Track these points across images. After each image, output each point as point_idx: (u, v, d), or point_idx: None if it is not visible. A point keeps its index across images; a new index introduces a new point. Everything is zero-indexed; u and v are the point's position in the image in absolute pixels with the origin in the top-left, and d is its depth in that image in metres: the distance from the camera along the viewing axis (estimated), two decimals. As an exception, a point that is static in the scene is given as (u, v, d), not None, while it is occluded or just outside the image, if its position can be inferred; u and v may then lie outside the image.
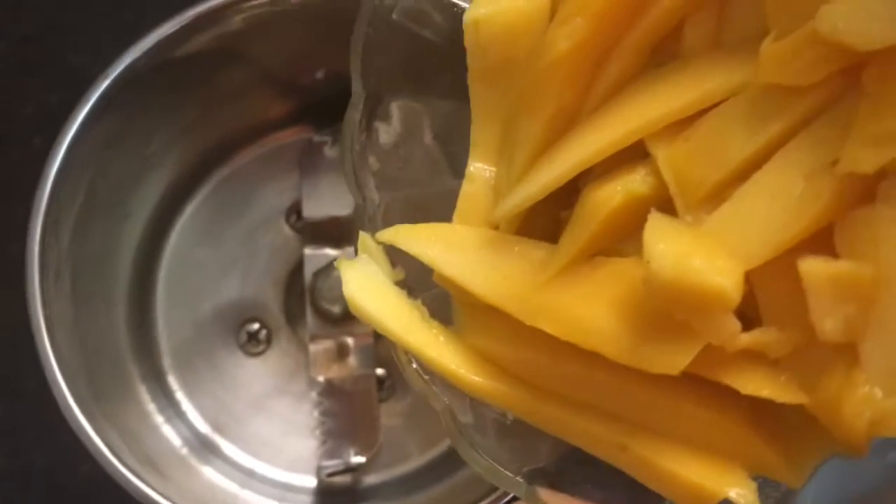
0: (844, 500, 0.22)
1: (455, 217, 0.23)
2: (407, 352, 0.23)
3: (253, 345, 0.41)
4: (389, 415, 0.40)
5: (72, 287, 0.35)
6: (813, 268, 0.17)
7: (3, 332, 0.40)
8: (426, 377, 0.23)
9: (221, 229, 0.41)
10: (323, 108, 0.40)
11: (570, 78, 0.21)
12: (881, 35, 0.16)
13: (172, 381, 0.40)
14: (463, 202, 0.23)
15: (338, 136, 0.40)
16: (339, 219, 0.40)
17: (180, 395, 0.40)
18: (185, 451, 0.38)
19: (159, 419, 0.38)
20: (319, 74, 0.39)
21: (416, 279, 0.23)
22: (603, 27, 0.20)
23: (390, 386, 0.41)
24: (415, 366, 0.23)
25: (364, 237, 0.23)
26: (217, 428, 0.40)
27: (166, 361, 0.40)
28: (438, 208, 0.24)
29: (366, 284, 0.22)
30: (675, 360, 0.19)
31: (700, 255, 0.18)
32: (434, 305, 0.23)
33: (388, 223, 0.24)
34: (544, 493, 0.22)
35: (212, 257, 0.41)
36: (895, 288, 0.17)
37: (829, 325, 0.18)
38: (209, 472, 0.38)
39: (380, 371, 0.40)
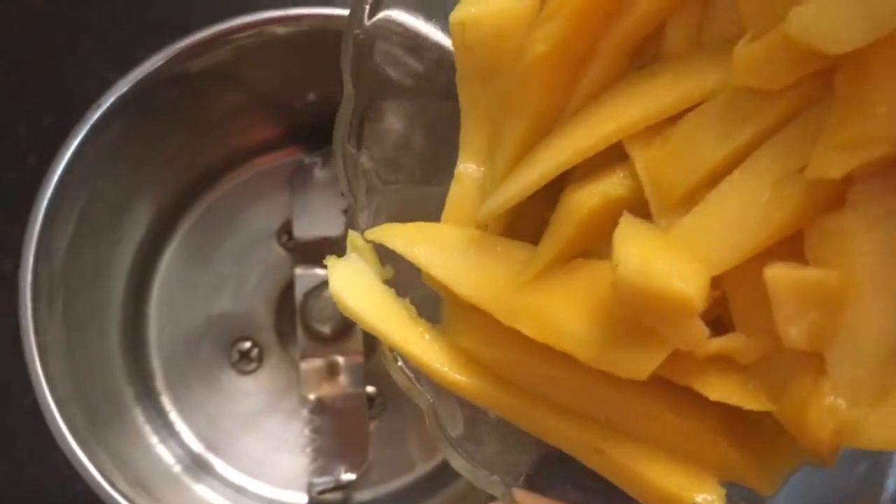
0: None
1: (443, 216, 0.23)
2: (392, 349, 0.23)
3: (245, 363, 0.41)
4: (379, 432, 0.41)
5: (64, 312, 0.35)
6: (778, 274, 0.17)
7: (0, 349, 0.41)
8: (411, 375, 0.23)
9: (213, 250, 0.42)
10: (313, 130, 0.41)
11: (550, 80, 0.21)
12: (850, 38, 0.16)
13: (166, 402, 0.40)
14: (451, 202, 0.23)
15: (328, 157, 0.41)
16: (329, 239, 0.41)
17: (174, 416, 0.40)
18: (177, 469, 0.38)
19: (153, 439, 0.39)
20: (310, 97, 0.40)
21: (406, 278, 0.23)
22: (580, 30, 0.20)
23: (380, 404, 0.41)
24: (400, 363, 0.23)
25: (353, 235, 0.24)
26: (210, 446, 0.40)
27: (159, 382, 0.41)
28: (430, 208, 0.24)
29: (352, 282, 0.22)
30: (642, 364, 0.19)
31: (665, 260, 0.18)
32: (424, 304, 0.23)
33: (379, 222, 0.24)
34: (520, 495, 0.22)
35: (204, 277, 0.42)
36: (863, 297, 0.17)
37: (793, 332, 0.18)
38: (202, 491, 0.38)
39: (370, 389, 0.41)
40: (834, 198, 0.17)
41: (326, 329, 0.40)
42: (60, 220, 0.34)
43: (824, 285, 0.17)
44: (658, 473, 0.20)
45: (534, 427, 0.22)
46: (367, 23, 0.24)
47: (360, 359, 0.40)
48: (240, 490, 0.39)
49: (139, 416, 0.39)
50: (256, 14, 0.35)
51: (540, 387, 0.22)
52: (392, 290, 0.23)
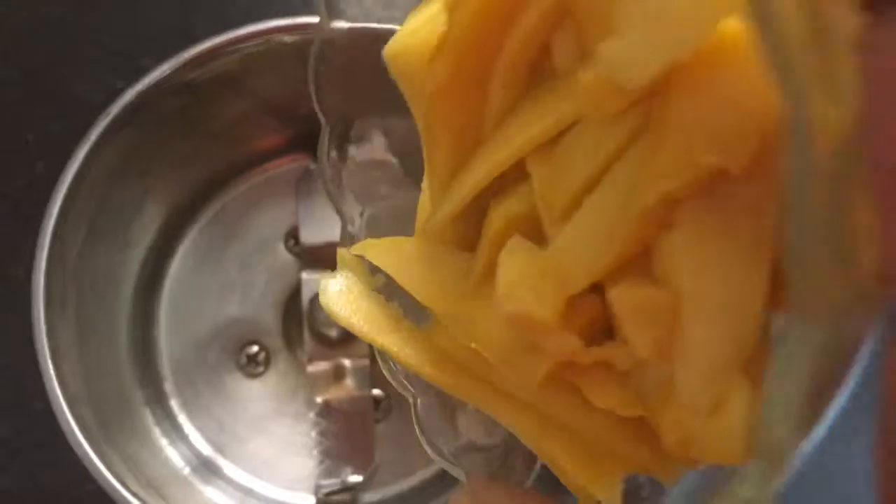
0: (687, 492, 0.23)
1: (416, 229, 0.25)
2: (378, 349, 0.25)
3: (252, 367, 0.42)
4: (385, 434, 0.41)
5: (76, 316, 0.36)
6: (619, 293, 0.18)
7: (9, 353, 0.41)
8: (395, 370, 0.26)
9: (221, 255, 0.42)
10: (318, 138, 0.41)
11: (454, 107, 0.22)
12: (637, 74, 0.16)
13: (174, 405, 0.41)
14: (419, 216, 0.25)
15: (334, 163, 0.41)
16: (335, 244, 0.41)
17: (182, 418, 0.41)
18: (186, 471, 0.39)
19: (163, 442, 0.39)
20: (315, 105, 0.40)
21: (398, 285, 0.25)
22: (467, 61, 0.21)
23: (386, 407, 0.41)
24: (391, 363, 0.26)
25: (341, 252, 0.26)
26: (218, 449, 0.41)
27: (168, 385, 0.41)
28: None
29: (340, 292, 0.24)
30: (532, 372, 0.20)
31: (528, 284, 0.19)
32: (417, 307, 0.25)
33: (375, 233, 0.26)
34: (476, 481, 0.24)
35: (212, 282, 0.42)
36: (690, 314, 0.18)
37: (639, 346, 0.18)
38: (210, 493, 0.39)
39: (376, 392, 0.41)
40: (669, 218, 0.18)
41: (333, 333, 0.41)
42: (71, 225, 0.35)
43: (657, 303, 0.18)
44: (571, 464, 0.22)
45: (500, 417, 0.24)
46: (330, 27, 0.25)
47: (365, 362, 0.41)
48: (248, 492, 0.40)
49: (149, 419, 0.39)
50: (265, 23, 0.36)
51: (498, 380, 0.23)
52: (381, 297, 0.25)
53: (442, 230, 0.24)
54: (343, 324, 0.24)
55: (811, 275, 0.14)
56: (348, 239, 0.27)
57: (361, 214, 0.27)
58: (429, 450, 0.25)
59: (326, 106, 0.26)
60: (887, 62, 0.10)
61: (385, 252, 0.24)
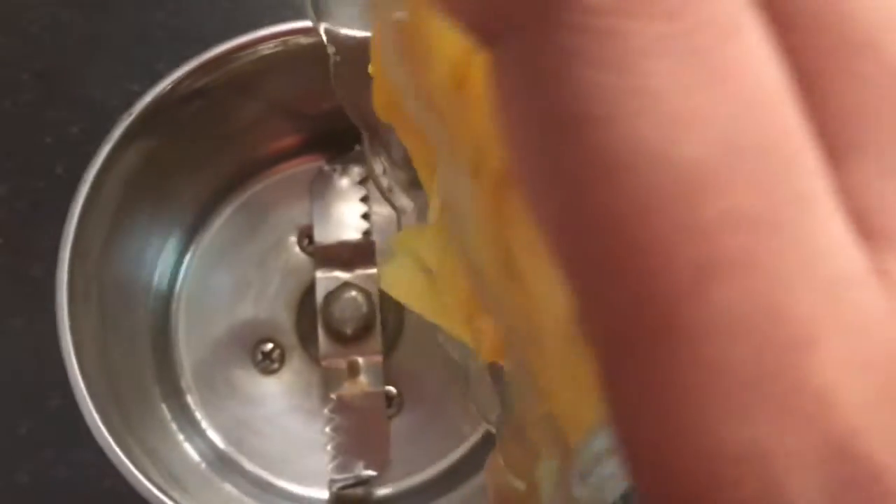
0: None
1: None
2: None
3: (267, 364, 0.42)
4: (397, 430, 0.42)
5: (99, 313, 0.36)
6: None
7: (28, 351, 0.42)
8: (448, 341, 0.28)
9: (237, 254, 0.43)
10: (332, 139, 0.42)
11: (406, 116, 0.23)
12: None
13: (192, 401, 0.42)
14: None
15: (346, 164, 0.42)
16: (348, 243, 0.42)
17: (200, 414, 0.41)
18: (203, 466, 0.40)
19: (180, 437, 0.40)
20: (329, 106, 0.41)
21: None
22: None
23: (399, 403, 0.42)
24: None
25: (391, 240, 0.29)
26: (234, 444, 0.41)
27: (185, 382, 0.42)
28: None
29: (396, 275, 0.27)
30: (479, 345, 0.23)
31: (446, 268, 0.22)
32: None
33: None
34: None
35: (227, 281, 0.43)
36: None
37: None
38: (227, 487, 0.40)
39: (389, 388, 0.42)
40: None
41: (347, 330, 0.41)
42: (93, 223, 0.36)
43: None
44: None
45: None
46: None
47: (379, 359, 0.42)
48: (264, 486, 0.41)
49: (166, 415, 0.40)
50: (278, 26, 0.36)
51: None
52: (432, 276, 0.27)
53: (439, 219, 0.25)
54: (399, 300, 0.27)
55: None
56: (402, 228, 0.29)
57: (414, 207, 0.29)
58: (477, 414, 0.27)
59: (356, 113, 0.27)
60: (509, 85, 0.11)
61: (416, 237, 0.26)
